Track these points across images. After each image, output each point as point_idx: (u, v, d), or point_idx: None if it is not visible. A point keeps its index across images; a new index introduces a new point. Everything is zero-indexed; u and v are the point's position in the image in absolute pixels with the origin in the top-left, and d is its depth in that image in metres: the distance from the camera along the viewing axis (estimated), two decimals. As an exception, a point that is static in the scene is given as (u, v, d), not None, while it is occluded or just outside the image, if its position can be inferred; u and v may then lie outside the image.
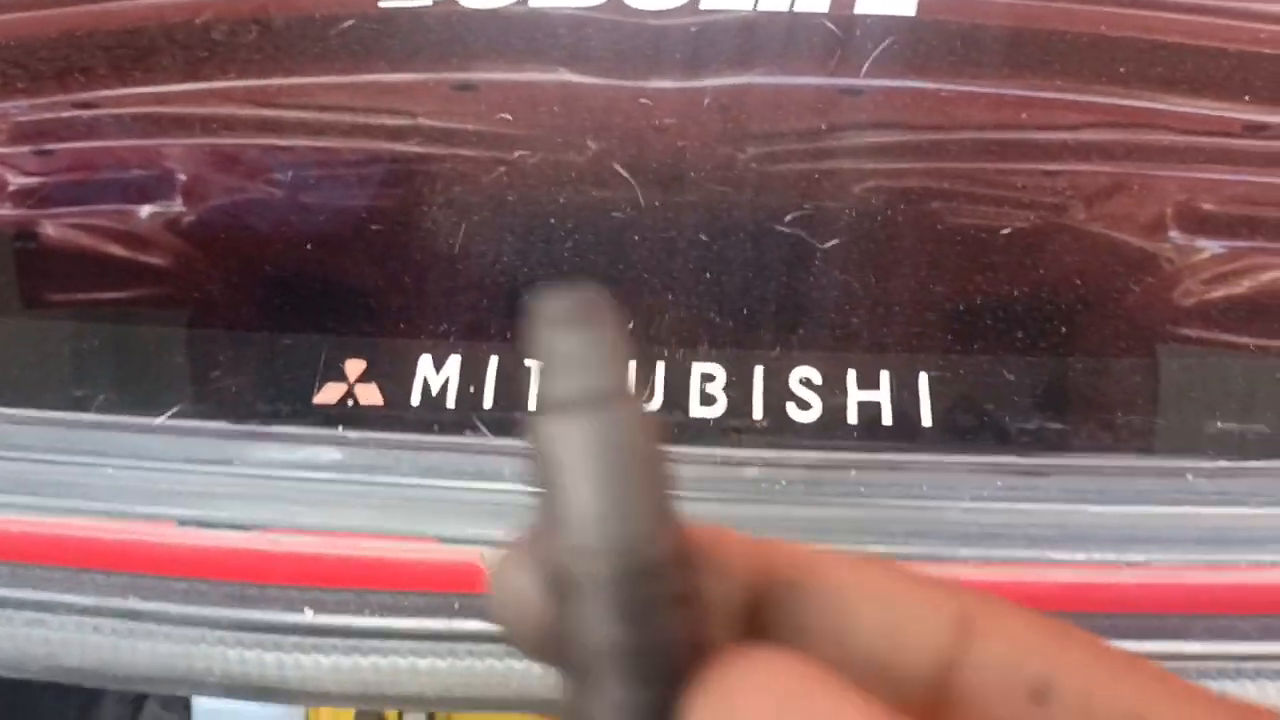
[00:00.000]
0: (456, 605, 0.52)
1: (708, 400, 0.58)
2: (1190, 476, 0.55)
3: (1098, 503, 0.54)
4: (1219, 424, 0.56)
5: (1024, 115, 0.66)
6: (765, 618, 0.17)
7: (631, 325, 0.60)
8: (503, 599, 0.17)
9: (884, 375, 0.58)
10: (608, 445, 0.16)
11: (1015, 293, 0.60)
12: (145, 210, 0.65)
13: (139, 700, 1.34)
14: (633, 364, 0.17)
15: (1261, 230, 0.66)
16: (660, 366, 0.59)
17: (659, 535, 0.16)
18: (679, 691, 0.15)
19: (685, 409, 0.58)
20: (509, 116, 0.66)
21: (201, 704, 1.22)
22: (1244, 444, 0.56)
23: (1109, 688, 0.16)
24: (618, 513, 0.16)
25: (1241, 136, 0.75)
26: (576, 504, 0.16)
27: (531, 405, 0.13)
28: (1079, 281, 0.60)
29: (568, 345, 0.16)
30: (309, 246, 0.63)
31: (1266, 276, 0.62)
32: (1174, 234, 0.65)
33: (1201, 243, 0.65)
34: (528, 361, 0.14)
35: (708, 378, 0.59)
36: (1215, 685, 0.53)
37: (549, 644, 0.17)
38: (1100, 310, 0.60)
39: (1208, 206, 0.66)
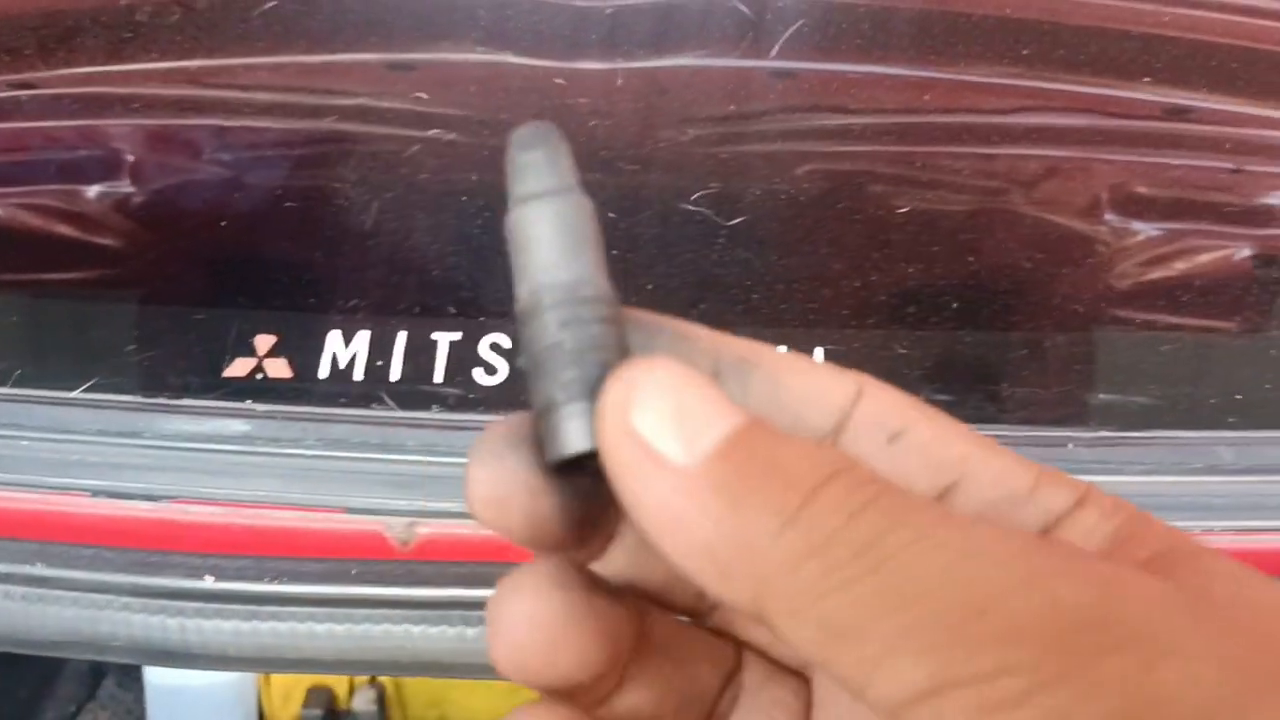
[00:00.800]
0: (354, 571, 0.53)
1: (610, 373, 0.59)
2: (1071, 446, 0.57)
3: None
4: (1102, 395, 0.58)
5: (927, 98, 0.68)
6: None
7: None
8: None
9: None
10: (559, 220, 0.22)
11: (909, 270, 0.62)
12: (60, 190, 0.66)
13: (95, 679, 1.35)
14: (577, 172, 0.22)
15: (1170, 213, 0.68)
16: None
17: (594, 280, 0.22)
18: (605, 377, 0.21)
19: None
20: (424, 95, 0.68)
21: (153, 681, 1.24)
22: (1125, 415, 0.58)
23: (946, 440, 0.22)
24: (564, 261, 0.22)
25: (1165, 120, 0.76)
26: (536, 258, 0.22)
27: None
28: (971, 260, 0.62)
29: (529, 158, 0.22)
30: (223, 224, 0.64)
31: (1150, 258, 0.64)
32: (1110, 216, 0.66)
33: (1124, 223, 0.66)
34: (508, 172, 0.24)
35: (611, 352, 0.60)
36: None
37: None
38: (990, 287, 0.61)
39: (1106, 191, 0.68)
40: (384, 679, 1.22)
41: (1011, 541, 0.18)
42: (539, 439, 0.22)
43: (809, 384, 0.22)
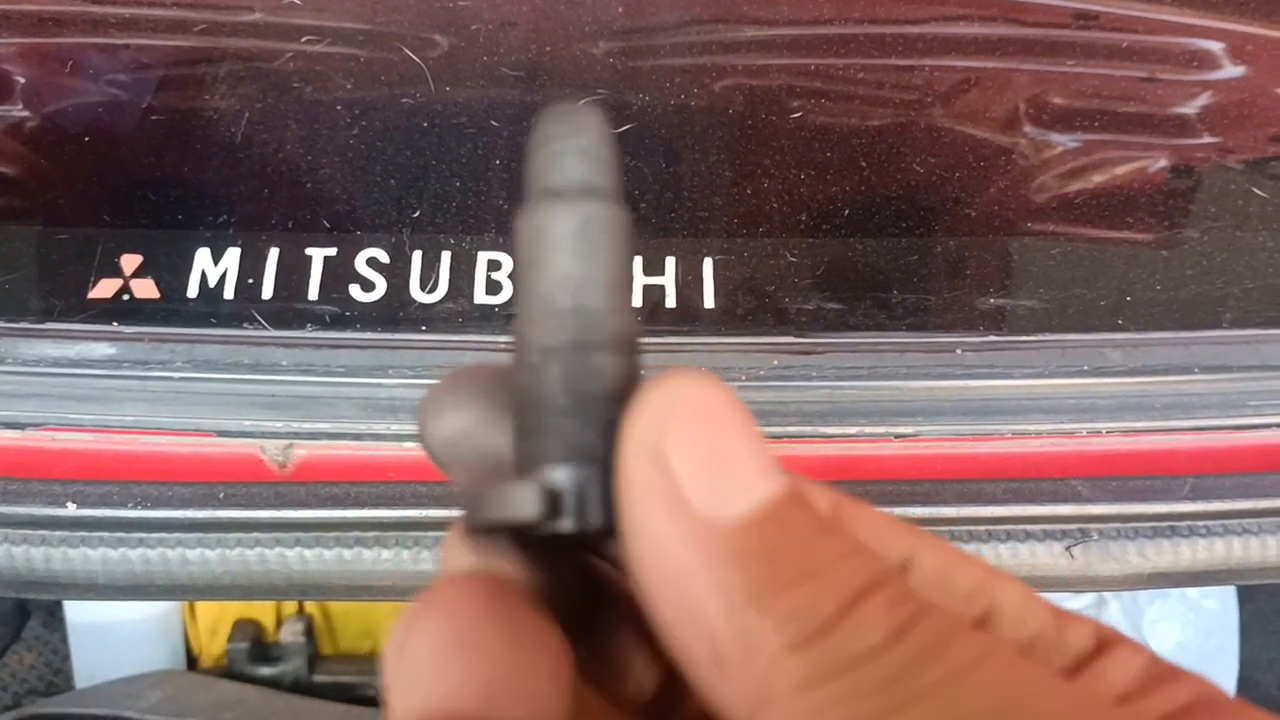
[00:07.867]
0: (222, 495, 0.52)
1: (493, 288, 0.58)
2: (960, 351, 0.56)
3: (869, 378, 0.55)
4: (991, 300, 0.57)
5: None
6: None
7: (418, 214, 0.59)
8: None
9: (669, 261, 0.58)
10: (589, 231, 0.19)
11: (801, 177, 0.60)
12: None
13: (19, 621, 1.33)
14: (615, 168, 0.19)
15: (1072, 120, 0.67)
16: (446, 255, 0.58)
17: (617, 311, 0.19)
18: (616, 422, 0.18)
19: (470, 296, 0.57)
20: (297, 1, 0.64)
21: (75, 620, 1.22)
22: (1014, 319, 0.57)
23: (958, 568, 0.20)
24: (586, 285, 0.19)
25: (1073, 27, 0.75)
26: (552, 271, 0.19)
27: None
28: (863, 166, 0.61)
29: (565, 147, 0.20)
30: (86, 140, 0.61)
31: (1042, 164, 0.63)
32: (1006, 124, 0.65)
33: (1019, 131, 0.65)
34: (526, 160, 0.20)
35: (494, 265, 0.58)
36: (968, 547, 0.55)
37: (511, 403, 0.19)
38: (880, 194, 0.60)
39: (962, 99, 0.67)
40: (312, 610, 1.21)
41: (1061, 694, 0.16)
42: (501, 495, 0.18)
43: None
